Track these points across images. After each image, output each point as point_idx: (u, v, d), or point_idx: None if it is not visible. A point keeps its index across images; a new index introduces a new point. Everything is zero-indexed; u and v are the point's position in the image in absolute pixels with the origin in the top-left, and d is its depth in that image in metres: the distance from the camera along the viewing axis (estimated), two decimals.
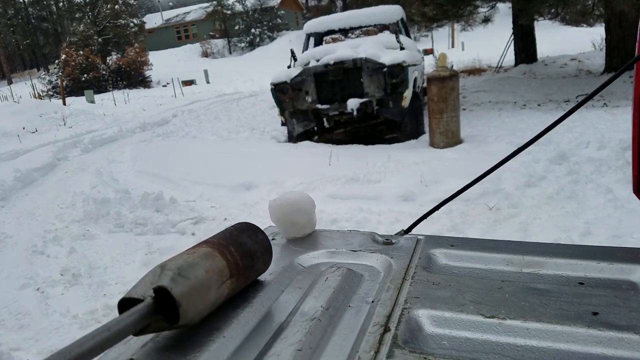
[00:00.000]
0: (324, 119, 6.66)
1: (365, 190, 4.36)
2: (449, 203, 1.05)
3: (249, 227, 0.76)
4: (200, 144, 7.37)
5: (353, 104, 6.20)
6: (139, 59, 29.59)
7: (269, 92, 7.00)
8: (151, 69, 30.54)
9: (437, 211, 1.03)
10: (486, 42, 24.70)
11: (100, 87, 26.58)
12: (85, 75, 27.24)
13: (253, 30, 40.74)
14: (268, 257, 0.76)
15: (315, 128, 6.88)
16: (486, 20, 12.67)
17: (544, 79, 11.11)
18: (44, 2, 46.02)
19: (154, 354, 0.59)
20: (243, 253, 0.69)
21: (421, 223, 0.99)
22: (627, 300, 0.63)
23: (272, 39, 40.98)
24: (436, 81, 5.59)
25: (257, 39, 40.74)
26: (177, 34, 47.16)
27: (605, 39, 11.06)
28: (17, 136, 8.98)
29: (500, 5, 12.01)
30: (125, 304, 0.57)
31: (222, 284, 0.64)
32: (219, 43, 42.13)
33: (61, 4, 45.93)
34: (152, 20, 48.92)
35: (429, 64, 11.91)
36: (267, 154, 6.31)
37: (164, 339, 0.62)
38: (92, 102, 17.15)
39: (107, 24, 36.60)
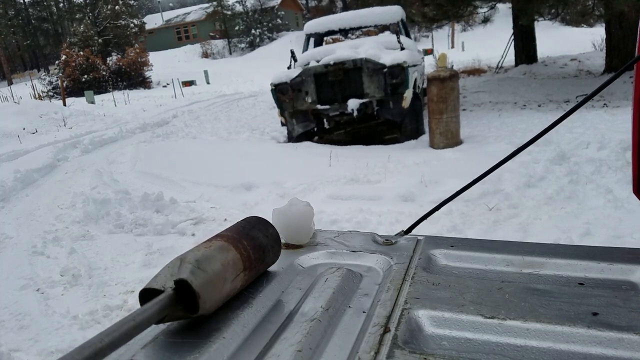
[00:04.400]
0: (324, 120, 6.66)
1: (365, 190, 4.36)
2: (448, 203, 1.05)
3: (260, 221, 0.80)
4: (200, 145, 7.37)
5: (353, 104, 6.20)
6: (139, 59, 29.58)
7: (269, 92, 7.00)
8: (151, 70, 30.54)
9: (437, 212, 1.03)
10: (486, 43, 24.71)
11: (100, 87, 26.58)
12: (85, 76, 27.24)
13: (253, 30, 40.75)
14: (277, 249, 0.80)
15: (315, 128, 6.88)
16: (486, 20, 12.68)
17: (544, 79, 11.12)
18: (45, 3, 46.06)
19: (154, 355, 0.59)
20: (255, 247, 0.73)
21: (421, 223, 0.99)
22: (627, 301, 0.63)
23: (272, 39, 40.99)
24: (436, 81, 5.59)
25: (257, 40, 40.75)
26: (178, 35, 47.18)
27: (605, 39, 11.06)
28: (17, 137, 8.99)
29: (500, 5, 12.00)
30: (145, 294, 0.61)
31: (236, 277, 0.67)
32: (219, 44, 42.14)
33: (61, 4, 45.97)
34: (153, 21, 48.93)
35: (429, 64, 11.91)
36: (267, 154, 6.31)
37: (165, 339, 0.62)
38: (92, 102, 17.15)
39: (108, 24, 36.61)
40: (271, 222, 0.91)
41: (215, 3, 41.25)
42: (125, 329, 0.52)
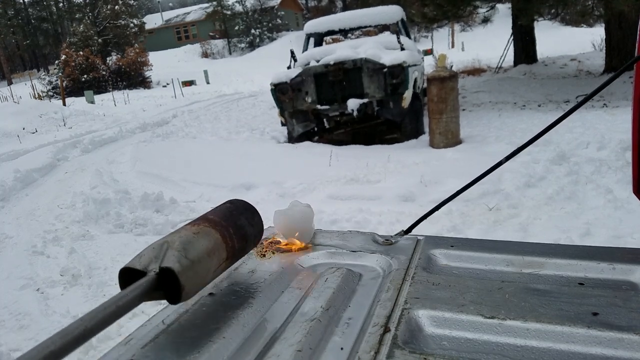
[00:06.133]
0: (324, 120, 6.66)
1: (365, 190, 4.36)
2: (448, 203, 1.05)
3: (247, 208, 0.78)
4: (200, 145, 7.37)
5: (353, 104, 6.20)
6: (139, 59, 29.58)
7: (269, 92, 7.00)
8: (151, 70, 30.53)
9: (437, 212, 1.03)
10: (486, 43, 24.70)
11: (100, 87, 26.58)
12: (85, 76, 27.23)
13: (253, 30, 40.73)
14: (259, 238, 0.79)
15: (316, 128, 6.88)
16: (486, 20, 12.69)
17: (543, 79, 11.12)
18: (44, 3, 46.03)
19: (154, 355, 0.59)
20: (240, 236, 0.72)
21: (421, 223, 0.99)
22: (627, 301, 0.63)
23: (272, 39, 40.97)
24: (436, 82, 5.59)
25: (257, 40, 40.73)
26: (177, 35, 47.15)
27: (605, 39, 11.06)
28: (17, 136, 8.98)
29: (500, 5, 12.01)
30: (126, 273, 0.60)
31: (218, 266, 0.67)
32: (219, 43, 42.13)
33: (61, 4, 45.95)
34: (152, 21, 48.90)
35: (428, 65, 11.91)
36: (267, 154, 6.31)
37: (164, 339, 0.62)
38: (92, 102, 17.14)
39: (107, 24, 36.60)
40: (272, 223, 0.91)
41: (215, 3, 41.23)
42: (108, 312, 0.52)
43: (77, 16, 39.54)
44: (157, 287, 0.59)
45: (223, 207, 0.76)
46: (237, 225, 0.72)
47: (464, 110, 8.04)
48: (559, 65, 13.19)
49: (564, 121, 0.97)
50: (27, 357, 0.43)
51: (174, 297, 0.60)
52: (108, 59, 30.82)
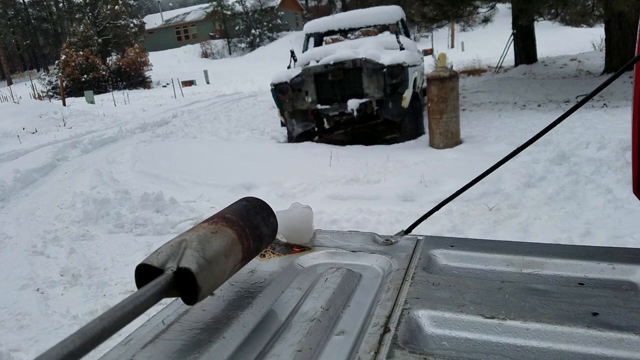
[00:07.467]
0: (324, 120, 6.66)
1: (365, 190, 4.36)
2: (448, 203, 1.05)
3: (264, 208, 0.77)
4: (200, 145, 7.37)
5: (353, 104, 6.20)
6: (138, 59, 29.60)
7: (269, 92, 7.01)
8: (151, 70, 30.55)
9: (437, 212, 1.03)
10: (486, 43, 24.70)
11: (100, 87, 26.59)
12: (85, 76, 27.24)
13: (253, 30, 40.74)
14: (272, 239, 0.79)
15: (315, 128, 6.87)
16: (486, 20, 12.67)
17: (543, 79, 11.12)
18: (44, 3, 46.02)
19: (154, 355, 0.59)
20: (255, 237, 0.71)
21: (421, 223, 0.99)
22: (627, 301, 0.63)
23: (272, 39, 40.99)
24: (436, 82, 5.59)
25: (257, 40, 40.74)
26: (177, 35, 47.15)
27: (605, 39, 11.06)
28: (17, 137, 8.98)
29: (500, 5, 11.99)
30: (143, 269, 0.60)
31: (233, 268, 0.66)
32: (219, 44, 42.14)
33: (61, 4, 45.94)
34: (152, 21, 48.90)
35: (428, 65, 11.91)
36: (267, 154, 6.31)
37: (165, 339, 0.62)
38: (92, 102, 17.14)
39: (107, 24, 36.59)
40: None
41: (215, 3, 41.24)
42: (125, 311, 0.52)
43: (77, 16, 39.52)
44: (174, 285, 0.59)
45: (240, 205, 0.75)
46: (253, 226, 0.71)
47: (464, 110, 8.04)
48: (559, 65, 13.19)
49: (564, 121, 0.97)
50: (46, 357, 0.43)
51: (190, 297, 0.60)
52: (108, 59, 30.82)
